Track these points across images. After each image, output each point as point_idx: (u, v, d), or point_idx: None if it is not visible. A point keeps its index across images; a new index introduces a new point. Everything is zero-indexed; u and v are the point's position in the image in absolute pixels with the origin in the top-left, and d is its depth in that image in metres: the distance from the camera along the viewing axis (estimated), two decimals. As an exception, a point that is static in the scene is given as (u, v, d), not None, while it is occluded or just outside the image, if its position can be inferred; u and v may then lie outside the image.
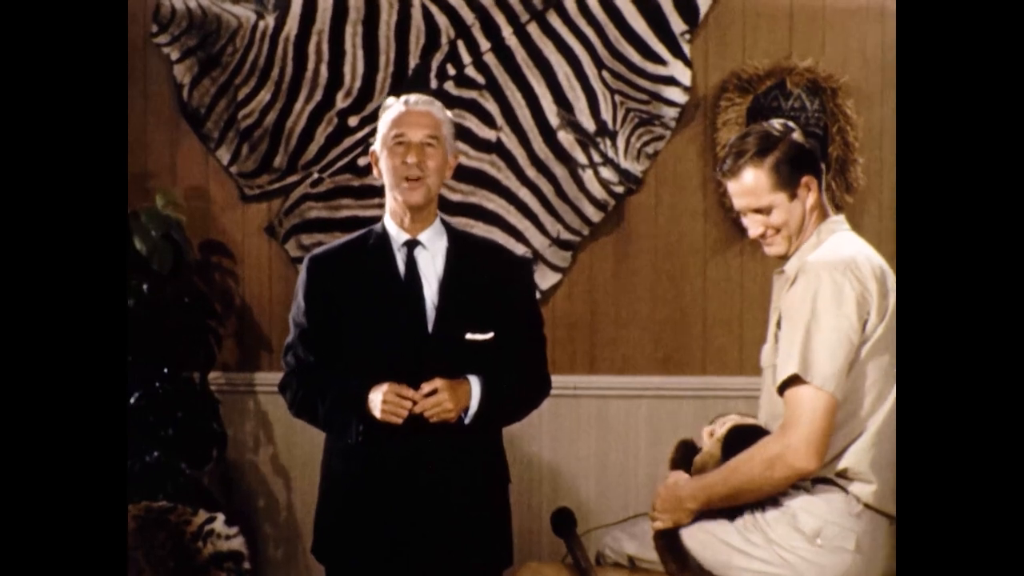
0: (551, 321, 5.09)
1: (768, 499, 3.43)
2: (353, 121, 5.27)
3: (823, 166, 3.65)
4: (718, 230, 5.20)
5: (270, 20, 5.27)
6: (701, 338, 5.29)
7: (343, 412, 3.73)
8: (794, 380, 3.34)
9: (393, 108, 3.79)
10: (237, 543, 4.36)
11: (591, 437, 5.30)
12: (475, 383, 3.71)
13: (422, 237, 3.78)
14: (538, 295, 5.01)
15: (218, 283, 5.38)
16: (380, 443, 3.68)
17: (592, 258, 5.32)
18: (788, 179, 3.52)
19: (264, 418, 5.36)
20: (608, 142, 5.23)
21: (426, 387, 3.64)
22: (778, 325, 3.49)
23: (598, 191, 5.26)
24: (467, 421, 3.71)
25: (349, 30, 5.26)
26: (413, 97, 3.81)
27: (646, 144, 5.23)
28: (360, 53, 5.27)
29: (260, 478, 5.41)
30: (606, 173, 5.24)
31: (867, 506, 3.40)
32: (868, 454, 3.40)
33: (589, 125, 5.24)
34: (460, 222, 4.98)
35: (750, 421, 3.59)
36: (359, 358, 3.73)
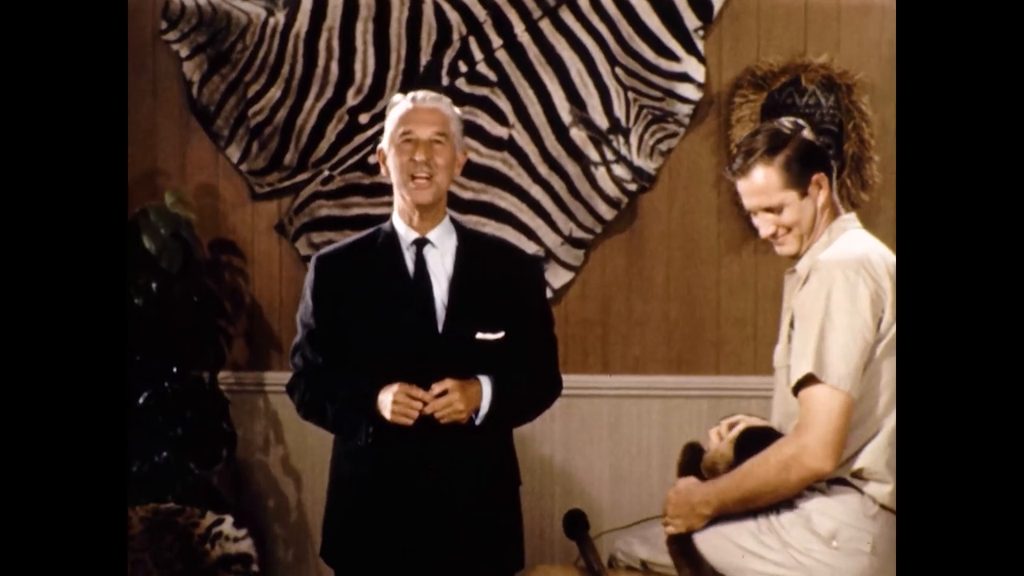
0: (563, 320, 5.13)
1: (782, 501, 3.40)
2: (364, 118, 5.25)
3: (834, 164, 3.63)
4: (732, 228, 5.18)
5: (280, 17, 5.26)
6: (715, 337, 5.28)
7: (352, 413, 3.70)
8: (809, 380, 3.31)
9: (400, 105, 3.77)
10: (246, 545, 4.35)
11: (603, 438, 5.28)
12: (486, 383, 3.68)
13: (431, 236, 3.76)
14: (551, 294, 5.10)
15: (228, 282, 5.36)
16: (389, 444, 3.66)
17: (605, 256, 5.29)
18: (799, 177, 3.50)
19: (274, 418, 5.35)
20: (621, 139, 5.21)
21: (437, 387, 3.62)
22: (791, 325, 3.46)
23: (611, 189, 5.23)
24: (478, 422, 3.68)
25: (360, 27, 5.25)
26: (421, 94, 3.79)
27: (659, 141, 5.20)
28: (371, 50, 5.25)
29: (270, 479, 5.39)
30: (619, 171, 5.22)
31: (883, 507, 3.37)
32: (884, 454, 3.36)
33: (602, 122, 5.22)
34: (471, 220, 5.04)
35: (760, 422, 3.56)
36: (368, 359, 3.70)
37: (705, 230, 5.25)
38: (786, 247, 3.56)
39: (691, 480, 3.55)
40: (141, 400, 4.99)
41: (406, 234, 3.76)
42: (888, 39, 5.15)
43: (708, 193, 5.20)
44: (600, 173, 5.23)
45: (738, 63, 5.21)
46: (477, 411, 3.67)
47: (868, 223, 3.65)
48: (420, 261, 3.73)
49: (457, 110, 3.84)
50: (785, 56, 5.18)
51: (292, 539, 5.38)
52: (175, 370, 5.06)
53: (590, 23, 5.20)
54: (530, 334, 3.80)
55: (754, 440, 3.44)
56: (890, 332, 3.35)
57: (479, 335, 3.70)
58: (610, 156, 5.22)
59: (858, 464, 3.38)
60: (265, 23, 5.26)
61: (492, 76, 5.24)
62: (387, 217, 3.85)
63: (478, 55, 5.23)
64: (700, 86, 5.18)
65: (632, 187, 5.23)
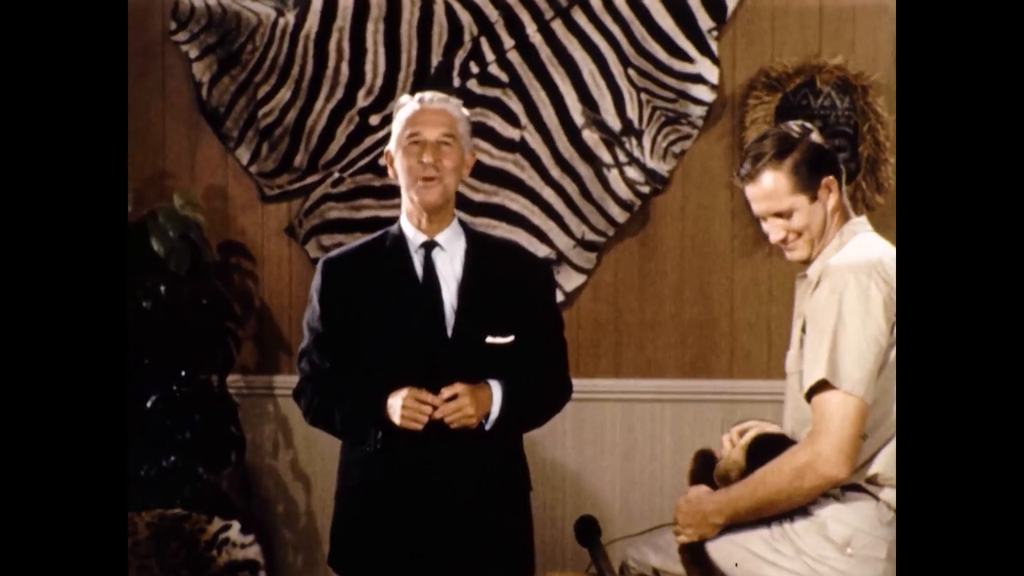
0: (575, 323, 5.14)
1: (796, 508, 3.37)
2: (374, 120, 5.23)
3: (843, 167, 3.60)
4: (746, 231, 5.14)
5: (290, 17, 5.25)
6: (728, 341, 5.24)
7: (361, 419, 3.68)
8: (822, 386, 3.28)
9: (407, 107, 3.74)
10: (253, 552, 4.32)
11: (616, 442, 5.26)
12: (496, 388, 3.66)
13: (440, 238, 3.73)
14: (563, 297, 5.11)
15: (237, 284, 5.36)
16: (398, 450, 3.64)
17: (617, 259, 5.27)
18: (808, 181, 3.47)
19: (283, 422, 5.33)
20: (634, 141, 5.18)
21: (447, 392, 3.59)
22: (803, 330, 3.43)
23: (624, 191, 5.21)
24: (488, 427, 3.66)
25: (370, 27, 5.23)
26: (428, 95, 3.77)
27: (672, 143, 5.18)
28: (381, 51, 5.23)
29: (279, 483, 5.38)
30: (632, 173, 5.19)
31: (898, 513, 3.33)
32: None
33: (615, 124, 5.20)
34: (483, 222, 5.06)
35: (772, 429, 3.53)
36: (376, 363, 3.68)
37: (718, 233, 5.22)
38: (796, 252, 3.54)
39: (702, 488, 3.52)
40: (149, 404, 4.98)
41: (414, 237, 3.74)
42: (904, 40, 5.12)
43: (722, 195, 5.17)
44: (612, 175, 5.20)
45: (752, 64, 5.18)
46: (487, 416, 3.64)
47: (883, 226, 3.62)
48: (429, 264, 3.71)
49: (465, 111, 3.82)
50: (800, 57, 5.15)
51: (301, 544, 5.37)
52: (183, 373, 5.05)
53: (603, 24, 5.18)
54: (540, 338, 3.77)
55: (766, 447, 3.41)
56: (904, 336, 3.32)
57: (489, 339, 3.68)
58: (623, 158, 5.20)
59: (873, 470, 3.34)
60: (275, 24, 5.25)
61: (504, 77, 5.22)
62: (397, 219, 3.83)
63: (490, 56, 5.21)
64: (714, 87, 5.16)
65: (645, 189, 5.20)
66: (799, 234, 3.50)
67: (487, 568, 3.72)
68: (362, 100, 5.24)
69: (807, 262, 3.53)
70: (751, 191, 3.53)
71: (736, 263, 5.21)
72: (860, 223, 3.54)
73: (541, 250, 5.15)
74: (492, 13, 5.20)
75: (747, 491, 3.38)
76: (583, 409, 5.12)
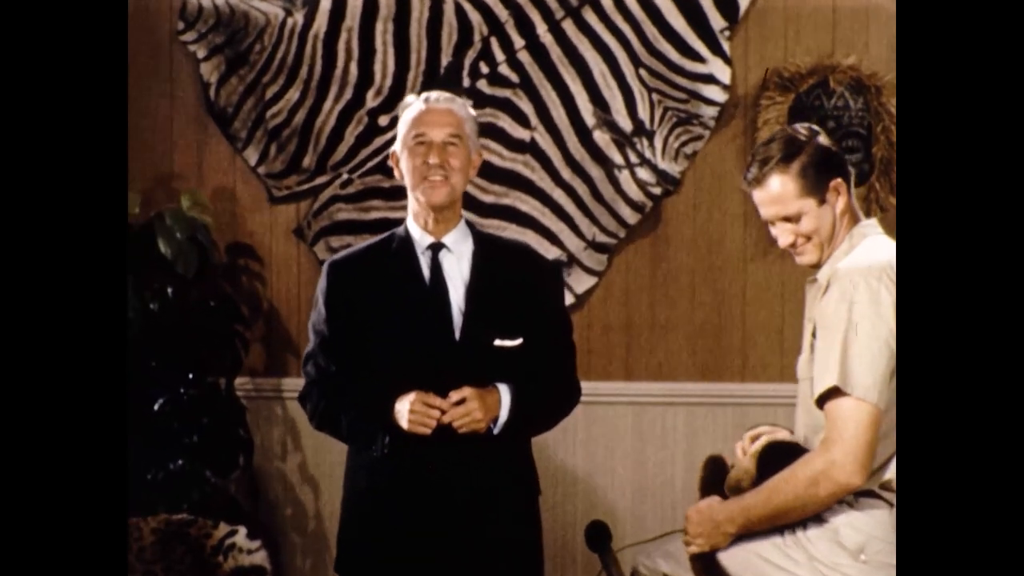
0: (586, 326, 5.14)
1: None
2: (384, 120, 5.21)
3: (851, 169, 3.59)
4: (758, 232, 5.11)
5: (299, 17, 5.23)
6: (740, 344, 5.23)
7: (368, 423, 3.66)
8: (834, 392, 3.25)
9: (413, 107, 3.72)
10: (259, 557, 4.31)
11: (627, 446, 5.24)
12: (504, 391, 3.63)
13: (447, 240, 3.70)
14: (573, 299, 5.11)
15: (245, 286, 5.34)
16: (405, 455, 3.61)
17: (628, 261, 5.25)
18: (816, 184, 3.45)
19: (292, 425, 5.31)
20: (645, 142, 5.16)
21: (455, 395, 3.57)
22: (813, 335, 3.41)
23: (635, 192, 5.18)
24: (496, 431, 3.63)
25: (379, 27, 5.21)
26: (434, 95, 3.74)
27: (684, 144, 5.15)
28: (391, 51, 5.22)
29: (288, 486, 5.37)
30: (643, 174, 5.17)
31: (912, 520, 3.29)
32: (913, 464, 3.29)
33: (626, 124, 5.18)
34: (493, 224, 5.06)
35: (783, 436, 3.51)
36: (383, 367, 3.65)
37: (731, 234, 5.19)
38: (806, 256, 3.51)
39: (713, 499, 3.49)
40: (156, 407, 4.98)
41: (421, 238, 3.71)
42: (918, 40, 5.10)
43: (734, 197, 5.15)
44: (624, 176, 5.18)
45: (765, 64, 5.15)
46: (495, 420, 3.62)
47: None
48: (436, 266, 3.68)
49: (472, 110, 3.79)
50: (813, 57, 5.12)
51: (310, 548, 5.35)
52: (191, 376, 5.04)
53: (614, 23, 5.16)
54: (549, 340, 3.75)
55: (777, 455, 3.39)
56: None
57: (497, 342, 3.65)
58: (634, 159, 5.17)
59: (887, 475, 3.32)
60: (283, 23, 5.23)
61: (514, 77, 5.20)
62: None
63: (500, 56, 5.20)
64: (726, 88, 5.14)
65: (656, 191, 5.18)
66: (808, 238, 3.48)
67: (496, 573, 3.70)
68: (371, 100, 5.22)
69: (817, 266, 3.51)
70: (758, 195, 3.51)
71: (749, 265, 5.19)
72: (870, 225, 3.52)
73: (551, 252, 5.14)
74: (502, 13, 5.18)
75: (760, 499, 3.35)
76: (594, 412, 5.10)
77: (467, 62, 5.19)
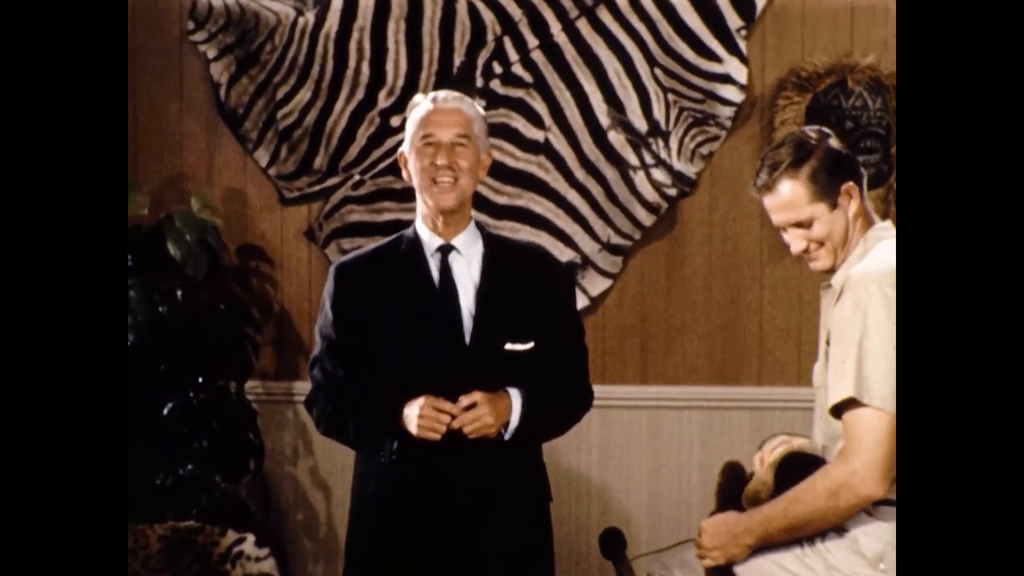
0: (601, 329, 5.13)
1: (829, 526, 3.33)
2: (395, 121, 5.18)
3: (864, 171, 3.54)
4: (775, 234, 5.02)
5: (310, 16, 5.21)
6: (757, 347, 5.21)
7: (376, 429, 3.61)
8: (851, 403, 3.21)
9: (421, 107, 3.67)
10: (268, 565, 4.28)
11: (642, 451, 5.22)
12: (515, 396, 3.59)
13: (456, 242, 3.65)
14: (588, 301, 5.11)
15: (256, 289, 5.33)
16: (414, 461, 3.57)
17: (644, 263, 5.23)
18: (827, 188, 3.41)
19: (303, 429, 5.29)
20: (661, 143, 5.14)
21: (465, 400, 3.52)
22: (827, 343, 3.37)
23: (650, 194, 5.16)
24: (507, 436, 3.59)
25: (391, 26, 5.19)
26: (442, 94, 3.69)
27: (700, 145, 5.13)
28: (403, 50, 5.19)
29: (299, 491, 5.35)
30: (659, 175, 5.15)
31: (932, 528, 3.24)
32: (933, 471, 3.24)
33: (641, 125, 5.15)
34: (507, 225, 5.06)
35: (801, 445, 3.47)
36: (392, 371, 3.61)
37: (747, 236, 5.17)
38: (819, 262, 3.47)
39: (729, 513, 3.44)
40: (166, 411, 4.96)
41: (430, 240, 3.66)
42: (938, 38, 5.06)
43: (750, 198, 5.07)
44: (639, 177, 5.16)
45: (782, 64, 5.14)
46: (506, 425, 3.58)
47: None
48: (445, 269, 3.63)
49: (481, 109, 3.74)
50: (831, 56, 5.10)
51: (321, 554, 5.33)
52: (201, 380, 5.02)
53: (629, 23, 5.13)
54: (561, 344, 3.70)
55: (795, 465, 3.34)
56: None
57: (508, 346, 3.60)
58: (649, 160, 5.15)
59: (906, 483, 3.26)
60: (294, 23, 5.20)
61: (528, 77, 5.18)
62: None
63: (513, 56, 5.17)
64: (742, 88, 5.11)
65: (672, 192, 5.15)
66: (821, 244, 3.43)
67: (507, 582, 3.67)
68: (383, 101, 5.20)
69: (831, 271, 3.46)
70: (769, 202, 3.48)
71: (766, 267, 5.17)
72: (885, 228, 3.46)
73: (566, 254, 5.12)
74: (516, 12, 5.16)
75: (779, 510, 3.31)
76: (609, 416, 5.09)
77: (480, 62, 5.17)
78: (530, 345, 3.62)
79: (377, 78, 5.19)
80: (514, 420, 3.57)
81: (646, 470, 5.19)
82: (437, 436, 3.50)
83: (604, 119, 5.14)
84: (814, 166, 3.39)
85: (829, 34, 5.12)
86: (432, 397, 3.51)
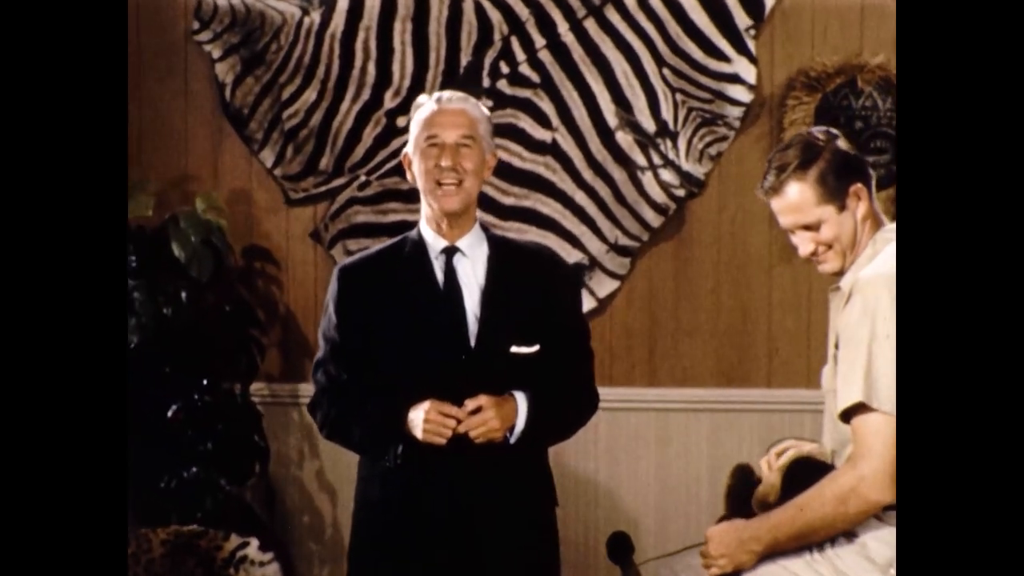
0: (609, 330, 5.11)
1: (839, 531, 3.31)
2: (402, 121, 5.16)
3: (872, 172, 3.50)
4: (784, 235, 5.00)
5: (316, 16, 5.20)
6: (766, 349, 5.18)
7: (380, 433, 3.59)
8: (860, 407, 3.18)
9: (425, 107, 3.65)
10: (272, 570, 4.27)
11: (650, 453, 5.20)
12: (521, 400, 3.57)
13: (461, 244, 3.63)
14: (596, 303, 5.10)
15: (261, 290, 5.32)
16: (419, 465, 3.55)
17: (652, 264, 5.21)
18: (835, 190, 3.38)
19: (309, 431, 5.26)
20: (669, 143, 5.12)
21: (470, 404, 3.51)
22: (836, 346, 3.34)
23: (658, 194, 5.14)
24: (512, 440, 3.57)
25: (398, 26, 5.18)
26: (446, 94, 3.67)
27: (709, 145, 5.11)
28: (409, 50, 5.18)
29: (304, 494, 5.34)
30: (667, 175, 5.13)
31: (942, 533, 3.21)
32: (943, 476, 3.21)
33: (649, 125, 5.14)
34: (514, 226, 5.05)
35: (809, 449, 3.45)
36: (396, 375, 3.59)
37: (756, 237, 5.15)
38: (828, 265, 3.44)
39: (736, 520, 3.41)
40: (170, 413, 4.95)
41: (434, 242, 3.64)
42: (948, 38, 5.04)
43: (759, 199, 5.05)
44: (647, 178, 5.14)
45: (791, 64, 5.11)
46: (512, 429, 3.55)
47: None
48: (450, 271, 3.61)
49: (486, 110, 3.72)
50: (840, 56, 5.08)
51: (327, 557, 5.32)
52: (206, 382, 5.01)
53: (636, 22, 5.12)
54: (567, 347, 3.68)
55: (803, 470, 3.32)
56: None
57: (514, 349, 3.58)
58: (657, 160, 5.13)
59: (917, 488, 3.23)
60: (300, 23, 5.20)
61: (535, 77, 5.16)
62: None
63: (520, 56, 5.16)
64: (751, 88, 5.10)
65: (680, 193, 5.13)
66: (829, 246, 3.40)
67: (512, 587, 3.65)
68: (389, 101, 5.19)
69: (840, 273, 3.43)
70: (776, 204, 3.45)
71: (775, 268, 5.15)
72: (893, 230, 3.42)
73: (573, 255, 5.11)
74: (523, 12, 5.14)
75: (788, 517, 3.27)
76: (616, 419, 5.07)
77: (487, 62, 5.15)
78: (536, 348, 3.60)
79: (383, 78, 5.18)
80: (520, 424, 3.55)
81: (654, 473, 5.18)
82: (443, 440, 3.48)
83: (612, 119, 5.13)
84: (822, 168, 3.36)
85: (839, 33, 5.09)
86: (437, 401, 3.49)
